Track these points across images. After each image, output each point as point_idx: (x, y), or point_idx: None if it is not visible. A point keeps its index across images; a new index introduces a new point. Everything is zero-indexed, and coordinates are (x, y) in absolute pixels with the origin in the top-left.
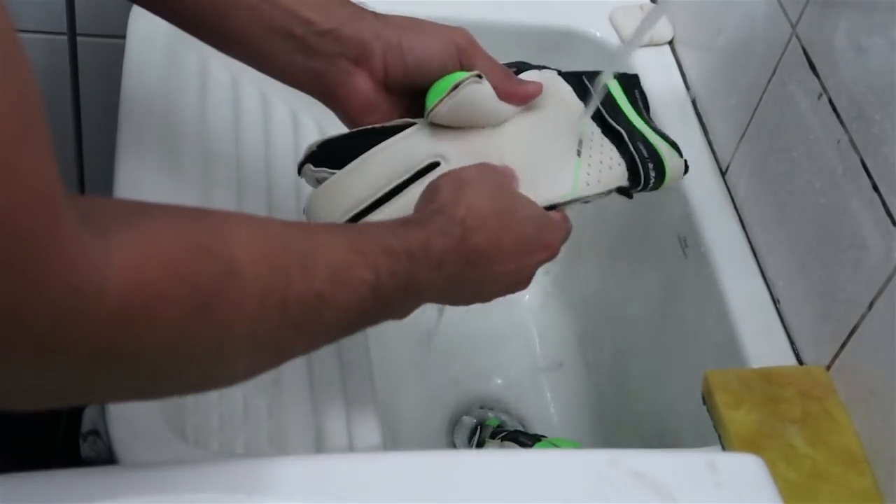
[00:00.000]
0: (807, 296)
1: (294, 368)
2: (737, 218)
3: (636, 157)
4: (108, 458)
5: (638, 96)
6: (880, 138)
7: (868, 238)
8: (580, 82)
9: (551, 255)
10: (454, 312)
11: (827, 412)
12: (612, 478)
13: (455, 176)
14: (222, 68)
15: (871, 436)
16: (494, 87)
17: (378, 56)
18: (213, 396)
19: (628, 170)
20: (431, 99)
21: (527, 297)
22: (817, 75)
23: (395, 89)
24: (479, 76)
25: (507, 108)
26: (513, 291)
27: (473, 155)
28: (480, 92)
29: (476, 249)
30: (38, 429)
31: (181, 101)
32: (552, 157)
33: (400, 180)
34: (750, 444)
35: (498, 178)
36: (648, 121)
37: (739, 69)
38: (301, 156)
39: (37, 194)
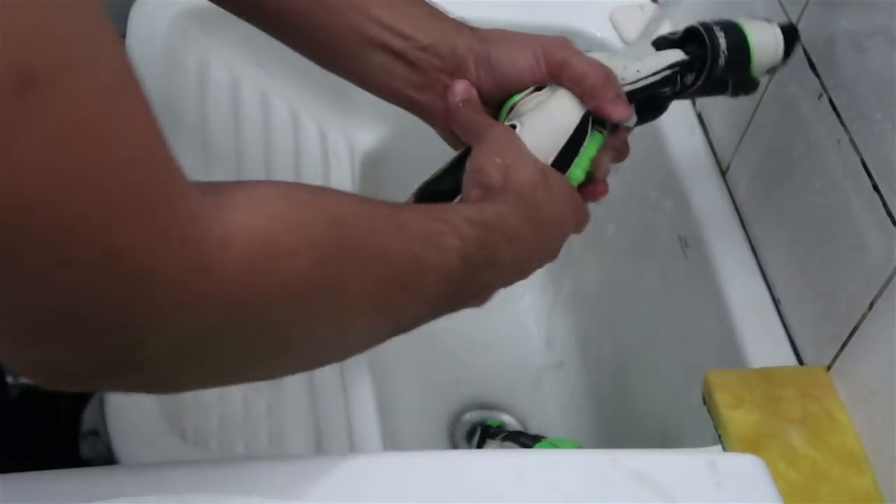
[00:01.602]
0: (807, 296)
1: None
2: (737, 218)
3: (696, 25)
4: (108, 458)
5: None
6: (880, 138)
7: (868, 238)
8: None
9: (579, 221)
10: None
11: (827, 412)
12: (612, 478)
13: (497, 164)
14: (222, 68)
15: (871, 436)
16: (585, 93)
17: (472, 71)
18: (213, 396)
19: (683, 35)
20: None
21: (527, 297)
22: (817, 75)
23: (487, 102)
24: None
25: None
26: (545, 261)
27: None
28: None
29: (519, 195)
30: (38, 429)
31: (181, 101)
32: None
33: None
34: (750, 444)
35: (524, 150)
36: None
37: None
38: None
39: (146, 146)
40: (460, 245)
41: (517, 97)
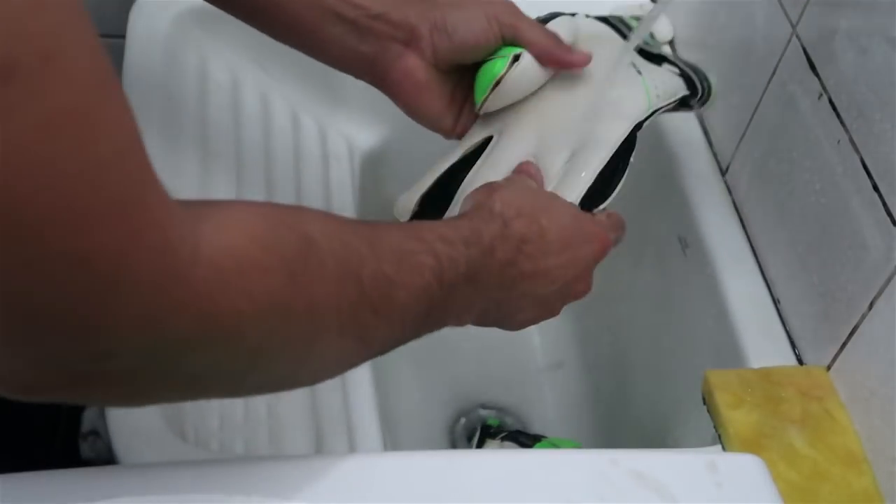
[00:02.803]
0: (807, 296)
1: None
2: (737, 218)
3: (687, 69)
4: (108, 458)
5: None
6: (880, 138)
7: (868, 238)
8: (606, 22)
9: (604, 247)
10: None
11: (827, 412)
12: (612, 478)
13: (486, 185)
14: (222, 68)
15: (871, 436)
16: (541, 56)
17: (426, 38)
18: None
19: (683, 80)
20: (478, 96)
21: None
22: (817, 75)
23: (444, 68)
24: (517, 56)
25: (551, 72)
26: (575, 294)
27: (535, 117)
28: (519, 75)
29: (522, 236)
30: (38, 429)
31: (181, 101)
32: (619, 84)
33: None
34: (750, 444)
35: (525, 181)
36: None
37: (739, 69)
38: (405, 216)
39: (122, 148)
40: (435, 264)
41: (498, 67)
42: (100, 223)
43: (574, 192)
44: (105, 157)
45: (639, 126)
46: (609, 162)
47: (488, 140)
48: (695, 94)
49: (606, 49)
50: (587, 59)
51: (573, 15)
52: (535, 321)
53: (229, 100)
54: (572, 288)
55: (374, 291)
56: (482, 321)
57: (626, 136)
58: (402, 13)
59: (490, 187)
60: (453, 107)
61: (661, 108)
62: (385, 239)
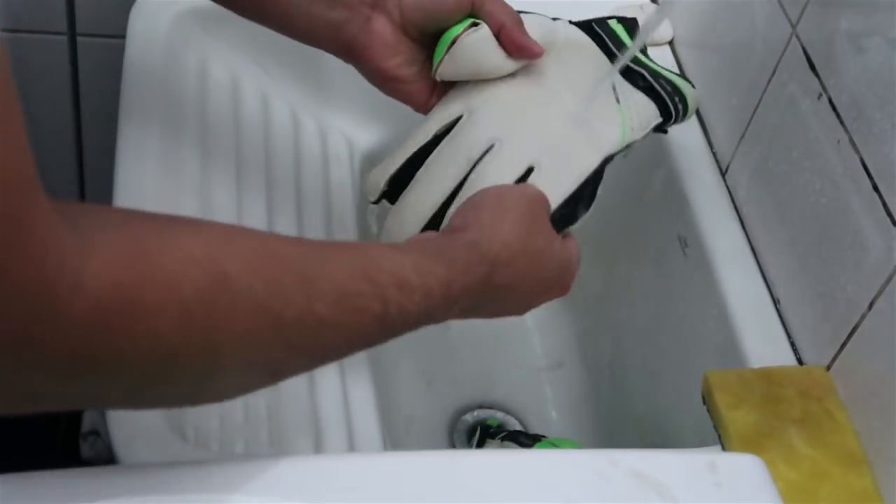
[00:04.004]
0: (807, 296)
1: None
2: (737, 218)
3: (662, 93)
4: (108, 458)
5: (639, 34)
6: (880, 138)
7: (868, 238)
8: (590, 30)
9: (562, 294)
10: None
11: (827, 412)
12: (612, 478)
13: (497, 198)
14: (222, 68)
15: (871, 436)
16: (500, 33)
17: (393, 2)
18: None
19: (658, 107)
20: (435, 58)
21: None
22: (817, 75)
23: (413, 34)
24: (476, 24)
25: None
26: (510, 315)
27: (506, 106)
28: (477, 42)
29: (499, 288)
30: (38, 429)
31: (181, 101)
32: (597, 110)
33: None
34: (750, 444)
35: (536, 209)
36: (654, 60)
37: (739, 69)
38: (374, 195)
39: (5, 177)
40: (380, 311)
41: (456, 30)
42: None
43: None
44: None
45: (609, 159)
46: (576, 190)
47: (458, 121)
48: (668, 119)
49: (583, 59)
50: (540, 52)
51: (555, 20)
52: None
53: (229, 100)
54: (512, 313)
55: (296, 332)
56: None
57: (595, 168)
58: None
59: (501, 209)
60: (424, 78)
61: (635, 141)
62: (328, 276)
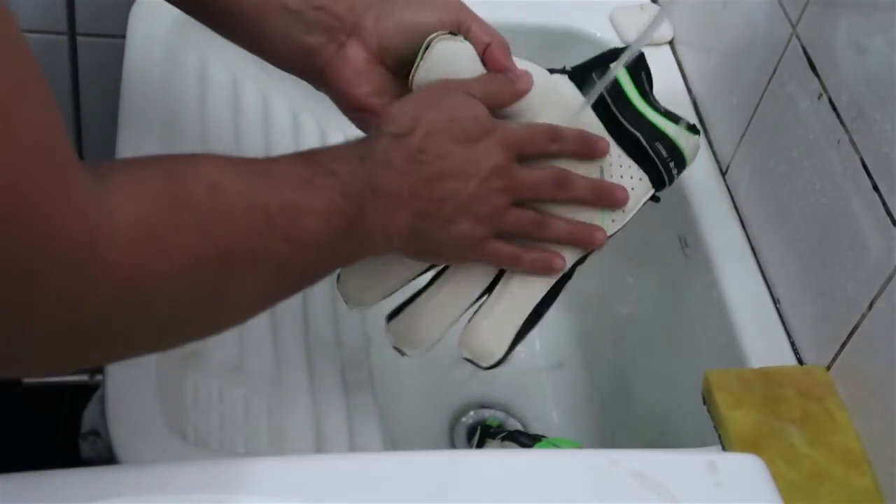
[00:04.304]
0: (807, 296)
1: (294, 369)
2: (737, 218)
3: (657, 162)
4: (108, 458)
5: (644, 78)
6: (880, 138)
7: (868, 238)
8: (588, 78)
9: (507, 137)
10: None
11: (827, 412)
12: (612, 478)
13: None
14: (222, 68)
15: (871, 436)
16: (485, 54)
17: (370, 28)
18: (213, 396)
19: (652, 180)
20: (414, 66)
21: None
22: (817, 75)
23: (390, 62)
24: (454, 33)
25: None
26: (504, 189)
27: None
28: (456, 50)
29: (416, 144)
30: (38, 429)
31: (181, 101)
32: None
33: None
34: (750, 444)
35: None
36: (655, 104)
37: (739, 69)
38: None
39: (41, 145)
40: (334, 182)
41: (433, 36)
42: (17, 220)
43: (512, 323)
44: (23, 155)
45: (582, 260)
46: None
47: None
48: (661, 188)
49: (559, 110)
50: (526, 82)
51: (553, 72)
52: (473, 233)
53: (229, 100)
54: (494, 183)
55: (283, 221)
56: (419, 242)
57: (566, 270)
58: (347, 5)
59: (398, 105)
60: None
61: (615, 233)
62: (282, 171)
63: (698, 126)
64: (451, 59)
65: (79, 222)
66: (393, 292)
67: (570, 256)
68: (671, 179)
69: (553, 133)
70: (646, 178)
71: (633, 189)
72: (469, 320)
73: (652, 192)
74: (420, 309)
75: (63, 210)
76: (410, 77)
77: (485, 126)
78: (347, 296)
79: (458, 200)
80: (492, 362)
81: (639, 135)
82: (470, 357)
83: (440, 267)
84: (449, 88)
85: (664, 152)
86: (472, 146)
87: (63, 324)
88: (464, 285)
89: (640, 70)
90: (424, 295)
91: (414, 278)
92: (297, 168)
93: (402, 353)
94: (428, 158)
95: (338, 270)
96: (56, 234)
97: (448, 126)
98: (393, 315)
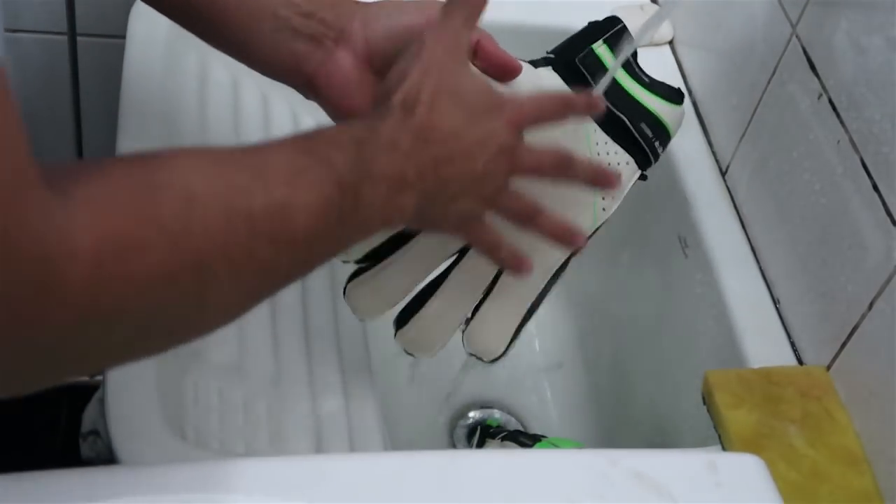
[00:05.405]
0: (807, 296)
1: (294, 369)
2: (737, 218)
3: (642, 143)
4: (108, 458)
5: (625, 48)
6: (880, 138)
7: (868, 238)
8: (575, 71)
9: (517, 113)
10: None
11: (827, 412)
12: (612, 478)
13: (395, 70)
14: (222, 68)
15: (871, 436)
16: (476, 48)
17: (358, 35)
18: (213, 396)
19: (638, 161)
20: None
21: None
22: (817, 75)
23: (380, 66)
24: None
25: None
26: (512, 165)
27: None
28: None
29: (424, 123)
30: (38, 429)
31: (181, 101)
32: (568, 193)
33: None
34: (750, 444)
35: (436, 52)
36: (640, 76)
37: (739, 69)
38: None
39: (2, 166)
40: (329, 172)
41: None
42: None
43: (512, 319)
44: None
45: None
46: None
47: None
48: (648, 166)
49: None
50: (518, 67)
51: (535, 63)
52: (472, 211)
53: (229, 100)
54: (500, 163)
55: (268, 222)
56: (419, 220)
57: (560, 264)
58: (334, 11)
59: (398, 73)
60: None
61: (604, 223)
62: (273, 163)
63: (683, 90)
64: None
65: (33, 247)
66: (400, 301)
67: (553, 256)
68: (656, 158)
69: (564, 102)
70: (632, 161)
71: (623, 170)
72: (472, 318)
73: (639, 173)
74: (428, 317)
75: (16, 234)
76: None
77: (491, 98)
78: (355, 308)
79: (464, 181)
80: (495, 356)
81: (624, 117)
82: (474, 353)
83: (442, 268)
84: (444, 44)
85: (649, 132)
86: (481, 122)
87: (18, 346)
88: (467, 288)
89: (618, 40)
90: (431, 303)
91: (420, 285)
92: (289, 158)
93: (412, 355)
94: (436, 137)
95: (338, 274)
96: (8, 258)
97: (454, 95)
98: (400, 322)
